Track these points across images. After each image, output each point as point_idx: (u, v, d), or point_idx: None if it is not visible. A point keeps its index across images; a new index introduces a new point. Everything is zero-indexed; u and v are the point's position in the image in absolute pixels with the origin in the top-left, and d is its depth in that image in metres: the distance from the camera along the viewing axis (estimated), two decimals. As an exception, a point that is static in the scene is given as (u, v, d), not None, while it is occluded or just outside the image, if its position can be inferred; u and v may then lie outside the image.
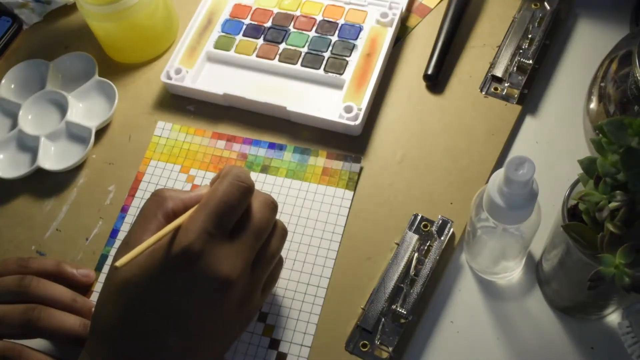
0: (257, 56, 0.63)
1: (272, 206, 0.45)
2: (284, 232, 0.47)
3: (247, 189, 0.43)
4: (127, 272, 0.41)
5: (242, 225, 0.43)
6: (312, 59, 0.62)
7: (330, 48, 0.62)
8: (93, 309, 0.49)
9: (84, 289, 0.53)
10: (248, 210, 0.44)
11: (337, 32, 0.63)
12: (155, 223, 0.43)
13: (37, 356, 0.47)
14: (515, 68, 0.60)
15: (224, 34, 0.65)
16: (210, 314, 0.42)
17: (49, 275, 0.51)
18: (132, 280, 0.41)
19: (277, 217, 0.54)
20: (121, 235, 0.55)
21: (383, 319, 0.49)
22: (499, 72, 0.59)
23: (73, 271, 0.52)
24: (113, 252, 0.55)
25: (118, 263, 0.39)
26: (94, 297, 0.52)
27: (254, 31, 0.64)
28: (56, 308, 0.49)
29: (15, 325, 0.47)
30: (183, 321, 0.41)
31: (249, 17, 0.65)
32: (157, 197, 0.45)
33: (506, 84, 0.59)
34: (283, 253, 0.53)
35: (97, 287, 0.53)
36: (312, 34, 0.63)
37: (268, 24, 0.65)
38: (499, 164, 0.56)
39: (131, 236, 0.43)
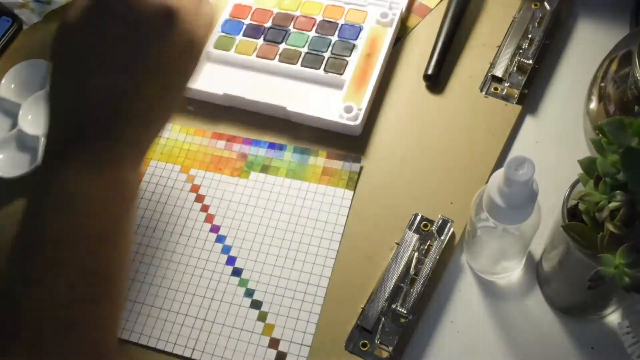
0: (257, 56, 0.63)
1: None
2: None
3: None
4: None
5: None
6: (312, 59, 0.62)
7: (330, 48, 0.62)
8: None
9: None
10: None
11: (337, 32, 0.63)
12: None
13: None
14: (515, 68, 0.60)
15: (224, 34, 0.65)
16: (165, 44, 0.39)
17: None
18: (78, 13, 0.40)
19: (277, 217, 0.54)
20: (121, 235, 0.56)
21: (383, 319, 0.49)
22: (499, 72, 0.59)
23: None
24: (113, 251, 0.55)
25: None
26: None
27: (254, 31, 0.64)
28: None
29: None
30: (130, 49, 0.39)
31: (249, 17, 0.65)
32: None
33: (506, 84, 0.59)
34: (283, 252, 0.53)
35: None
36: (312, 34, 0.63)
37: (268, 24, 0.65)
38: (499, 164, 0.56)
39: None
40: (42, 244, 0.40)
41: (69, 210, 0.40)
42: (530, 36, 0.61)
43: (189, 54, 0.42)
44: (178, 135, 0.60)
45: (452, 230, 0.52)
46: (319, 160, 0.57)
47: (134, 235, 0.44)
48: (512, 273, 0.51)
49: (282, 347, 0.49)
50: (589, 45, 0.61)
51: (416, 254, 0.52)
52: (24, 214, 0.42)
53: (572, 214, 0.42)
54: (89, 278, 0.40)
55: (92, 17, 0.40)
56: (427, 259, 0.51)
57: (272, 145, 0.59)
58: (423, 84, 0.61)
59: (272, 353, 0.49)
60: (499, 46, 0.61)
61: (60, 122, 0.41)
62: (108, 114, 0.39)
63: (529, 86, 0.59)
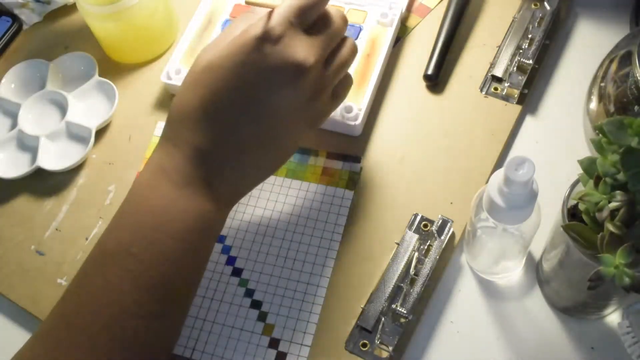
0: (257, 56, 0.63)
1: (345, 18, 0.48)
2: (355, 48, 0.50)
3: None
4: (210, 55, 0.45)
5: (318, 25, 0.46)
6: (312, 59, 0.62)
7: (330, 48, 0.62)
8: None
9: None
10: (324, 15, 0.47)
11: (337, 32, 0.63)
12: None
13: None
14: (515, 68, 0.60)
15: (224, 34, 0.65)
16: (282, 99, 0.45)
17: None
18: (214, 62, 0.44)
19: (277, 217, 0.54)
20: (121, 235, 0.56)
21: (383, 319, 0.49)
22: (499, 72, 0.59)
23: None
24: (113, 251, 0.55)
25: None
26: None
27: (254, 31, 0.64)
28: None
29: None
30: (257, 102, 0.45)
31: (249, 17, 0.65)
32: (248, 14, 0.48)
33: (506, 84, 0.59)
34: (283, 252, 0.53)
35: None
36: (312, 34, 0.63)
37: (268, 24, 0.65)
38: (499, 164, 0.56)
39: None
40: (119, 251, 0.43)
41: (149, 223, 0.43)
42: (530, 36, 0.61)
43: (300, 125, 0.48)
44: (178, 135, 0.60)
45: (452, 230, 0.52)
46: (319, 160, 0.57)
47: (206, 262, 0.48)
48: (512, 273, 0.51)
49: (282, 347, 0.49)
50: (589, 45, 0.61)
51: (416, 254, 0.52)
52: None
53: (572, 214, 0.42)
54: (159, 294, 0.42)
55: (234, 61, 0.45)
56: (427, 259, 0.51)
57: (272, 145, 0.59)
58: (423, 84, 0.61)
59: (272, 353, 0.49)
60: (499, 46, 0.61)
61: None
62: (233, 156, 0.46)
63: (529, 86, 0.59)
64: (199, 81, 0.45)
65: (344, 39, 0.49)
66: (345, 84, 0.51)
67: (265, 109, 0.45)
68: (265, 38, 0.44)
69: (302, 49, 0.45)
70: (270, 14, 0.45)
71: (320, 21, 0.47)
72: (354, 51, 0.49)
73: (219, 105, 0.44)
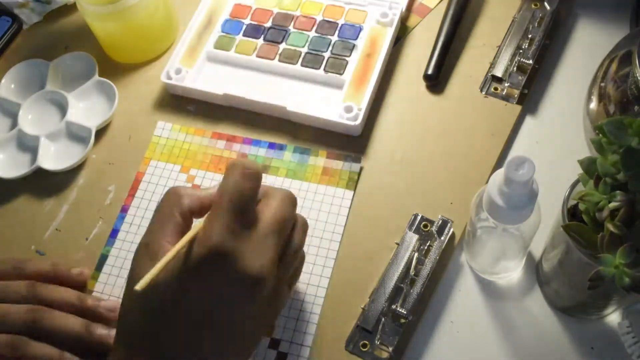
0: (257, 56, 0.63)
1: (292, 201, 0.45)
2: (306, 226, 0.47)
3: (256, 175, 0.43)
4: (145, 273, 0.39)
5: (264, 221, 0.42)
6: (312, 59, 0.62)
7: (330, 48, 0.62)
8: (100, 305, 0.50)
9: (81, 287, 0.53)
10: (268, 206, 0.43)
11: (337, 32, 0.63)
12: (173, 222, 0.43)
13: (42, 347, 0.47)
14: (515, 68, 0.60)
15: (224, 34, 0.65)
16: (241, 314, 0.41)
17: (45, 277, 0.51)
18: (159, 287, 0.40)
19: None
20: (121, 235, 0.55)
21: (383, 319, 0.49)
22: (499, 72, 0.59)
23: (68, 272, 0.52)
24: (113, 252, 0.55)
25: (138, 286, 0.38)
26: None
27: (254, 31, 0.64)
28: (64, 309, 0.49)
29: (18, 324, 0.48)
30: (215, 324, 0.41)
31: (249, 17, 0.65)
32: (173, 195, 0.44)
33: (506, 84, 0.59)
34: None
35: (97, 287, 0.53)
36: (312, 34, 0.63)
37: (268, 24, 0.65)
38: (499, 164, 0.56)
39: (150, 236, 0.43)
40: None
41: None
42: (530, 36, 0.61)
43: (261, 328, 0.45)
44: (178, 135, 0.60)
45: (452, 230, 0.52)
46: (319, 160, 0.57)
47: None
48: (512, 273, 0.51)
49: (282, 347, 0.49)
50: (589, 45, 0.61)
51: (416, 254, 0.52)
52: None
53: (572, 214, 0.42)
54: None
55: (189, 277, 0.40)
56: (427, 259, 0.51)
57: (272, 145, 0.59)
58: (423, 84, 0.61)
59: (273, 353, 0.49)
60: (499, 46, 0.61)
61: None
62: None
63: (529, 86, 0.59)
64: (144, 306, 0.40)
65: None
66: (298, 267, 0.48)
67: (225, 326, 0.41)
68: (212, 258, 0.39)
69: (254, 259, 0.40)
70: (208, 223, 0.40)
71: (266, 215, 0.42)
72: (305, 230, 0.46)
73: (171, 332, 0.40)
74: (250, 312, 0.42)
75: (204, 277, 0.40)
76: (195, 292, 0.40)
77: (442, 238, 0.52)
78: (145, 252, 0.42)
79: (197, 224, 0.42)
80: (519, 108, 0.58)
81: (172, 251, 0.40)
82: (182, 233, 0.43)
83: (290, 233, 0.45)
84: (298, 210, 0.55)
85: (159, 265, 0.39)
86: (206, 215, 0.42)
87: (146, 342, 0.41)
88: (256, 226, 0.42)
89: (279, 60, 0.62)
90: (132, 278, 0.42)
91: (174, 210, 0.43)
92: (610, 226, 0.36)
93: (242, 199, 0.41)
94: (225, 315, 0.41)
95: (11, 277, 0.51)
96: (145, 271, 0.40)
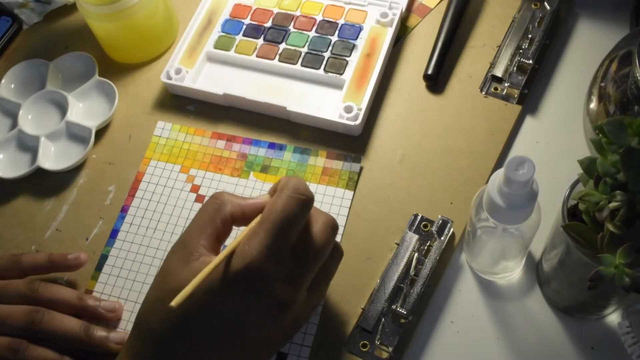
0: (257, 56, 0.63)
1: (334, 228, 0.44)
2: (341, 254, 0.47)
3: (307, 201, 0.42)
4: (183, 283, 0.39)
5: (304, 245, 0.42)
6: (312, 59, 0.62)
7: (330, 48, 0.62)
8: (100, 306, 0.50)
9: (78, 284, 0.54)
10: (309, 231, 0.43)
11: (337, 32, 0.63)
12: (213, 227, 0.43)
13: (42, 351, 0.48)
14: (515, 68, 0.60)
15: (224, 34, 0.65)
16: (263, 332, 0.42)
17: (42, 269, 0.52)
18: (192, 296, 0.39)
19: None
20: (121, 236, 0.55)
21: (383, 319, 0.49)
22: (499, 72, 0.59)
23: (64, 258, 0.52)
24: (113, 252, 0.55)
25: (174, 302, 0.38)
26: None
27: (254, 31, 0.64)
28: (63, 309, 0.49)
29: (18, 326, 0.48)
30: (236, 337, 0.41)
31: (249, 17, 0.65)
32: (217, 200, 0.44)
33: (506, 84, 0.59)
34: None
35: (97, 288, 0.53)
36: (312, 34, 0.63)
37: (268, 24, 0.65)
38: (499, 164, 0.56)
39: (188, 237, 0.43)
40: None
41: None
42: (530, 36, 0.61)
43: (280, 345, 0.46)
44: (178, 135, 0.60)
45: (452, 230, 0.52)
46: (319, 160, 0.57)
47: None
48: (512, 273, 0.51)
49: (282, 347, 0.49)
50: (589, 45, 0.61)
51: (416, 254, 0.52)
52: None
53: (572, 214, 0.42)
54: None
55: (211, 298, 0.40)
56: (427, 260, 0.51)
57: (272, 145, 0.59)
58: (423, 84, 0.61)
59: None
60: (499, 46, 0.61)
61: None
62: None
63: (529, 86, 0.59)
64: (170, 308, 0.39)
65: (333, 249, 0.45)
66: (324, 290, 0.48)
67: (246, 340, 0.41)
68: (246, 274, 0.40)
69: (286, 283, 0.41)
70: (250, 240, 0.40)
71: (306, 240, 0.42)
72: (340, 258, 0.46)
73: (192, 338, 0.40)
74: (275, 332, 0.43)
75: (234, 292, 0.40)
76: (226, 306, 0.40)
77: (442, 238, 0.52)
78: (181, 251, 0.42)
79: (237, 237, 0.42)
80: (519, 108, 0.58)
81: (210, 265, 0.40)
82: (220, 238, 0.43)
83: (326, 260, 0.44)
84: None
85: (196, 281, 0.39)
86: (249, 229, 0.42)
87: (167, 343, 0.41)
88: (295, 251, 0.42)
89: (279, 60, 0.62)
90: (164, 276, 0.42)
91: (216, 215, 0.43)
92: (610, 226, 0.36)
93: (288, 223, 0.41)
94: (249, 333, 0.41)
95: (8, 272, 0.51)
96: (177, 271, 0.40)
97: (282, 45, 0.63)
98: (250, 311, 0.41)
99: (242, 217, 0.44)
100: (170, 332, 0.41)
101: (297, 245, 0.42)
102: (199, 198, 0.57)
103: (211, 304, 0.40)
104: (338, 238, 0.53)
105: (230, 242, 0.42)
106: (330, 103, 0.60)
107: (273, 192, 0.44)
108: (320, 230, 0.43)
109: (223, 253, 0.41)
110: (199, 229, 0.43)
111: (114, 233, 0.56)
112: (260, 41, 0.64)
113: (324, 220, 0.44)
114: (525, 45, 0.61)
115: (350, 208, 0.55)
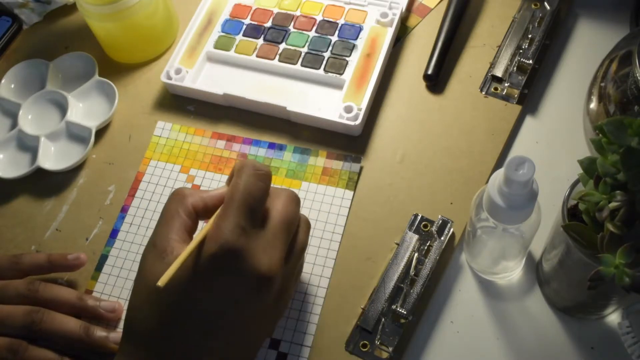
0: (257, 56, 0.63)
1: (297, 201, 0.46)
2: (309, 226, 0.48)
3: (266, 175, 0.44)
4: (162, 275, 0.40)
5: (272, 220, 0.43)
6: (312, 59, 0.62)
7: (330, 48, 0.62)
8: (100, 306, 0.50)
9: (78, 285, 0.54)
10: (275, 205, 0.44)
11: (337, 32, 0.63)
12: (178, 220, 0.44)
13: (42, 351, 0.48)
14: (515, 68, 0.60)
15: (224, 34, 0.65)
16: (250, 312, 0.42)
17: (42, 269, 0.52)
18: (169, 283, 0.40)
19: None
20: (121, 236, 0.55)
21: (383, 319, 0.49)
22: (499, 72, 0.59)
23: (64, 258, 0.52)
24: (113, 252, 0.55)
25: (160, 282, 0.38)
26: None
27: (254, 31, 0.64)
28: (63, 309, 0.49)
29: (18, 326, 0.48)
30: (224, 321, 0.41)
31: (249, 17, 0.65)
32: (177, 195, 0.45)
33: (506, 84, 0.59)
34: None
35: (97, 288, 0.53)
36: (312, 34, 0.63)
37: (268, 24, 0.65)
38: (499, 164, 0.56)
39: (157, 237, 0.43)
40: None
41: None
42: (530, 36, 0.61)
43: (267, 327, 0.46)
44: (178, 135, 0.60)
45: (452, 230, 0.52)
46: (319, 160, 0.57)
47: None
48: (512, 273, 0.51)
49: (282, 347, 0.49)
50: (589, 45, 0.61)
51: (416, 254, 0.52)
52: None
53: (572, 214, 0.42)
54: None
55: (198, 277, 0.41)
56: (427, 260, 0.51)
57: (272, 145, 0.59)
58: (423, 84, 0.61)
59: (273, 354, 0.49)
60: (499, 46, 0.61)
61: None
62: None
63: (529, 86, 0.59)
64: (154, 302, 0.41)
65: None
66: (300, 266, 0.49)
67: (234, 323, 0.42)
68: (223, 255, 0.40)
69: (263, 256, 0.41)
70: (219, 221, 0.41)
71: (273, 214, 0.43)
72: (309, 229, 0.47)
73: (180, 329, 0.41)
74: (258, 311, 0.42)
75: (214, 274, 0.40)
76: (208, 290, 0.41)
77: (442, 238, 0.52)
78: (153, 251, 0.42)
79: (208, 224, 0.43)
80: (519, 108, 0.58)
81: (189, 248, 0.41)
82: (189, 231, 0.44)
83: (295, 232, 0.45)
84: (298, 210, 0.55)
85: (179, 261, 0.40)
86: (216, 214, 0.43)
87: (156, 339, 0.41)
88: (264, 225, 0.43)
89: (279, 60, 0.62)
90: (142, 277, 0.42)
91: (179, 209, 0.44)
92: (610, 226, 0.36)
93: (253, 199, 0.42)
94: (235, 314, 0.41)
95: (8, 272, 0.51)
96: (154, 269, 0.41)
97: (282, 45, 0.63)
98: (234, 292, 0.41)
99: (204, 209, 0.45)
100: (158, 326, 0.41)
101: (265, 220, 0.43)
102: (199, 198, 0.57)
103: (193, 293, 0.41)
104: (338, 238, 0.53)
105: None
106: (330, 103, 0.60)
107: (229, 182, 0.46)
108: (284, 203, 0.44)
109: (199, 234, 0.41)
110: (166, 225, 0.43)
111: (114, 233, 0.56)
112: (260, 41, 0.64)
113: (286, 195, 0.45)
114: (525, 45, 0.61)
115: (350, 208, 0.55)
